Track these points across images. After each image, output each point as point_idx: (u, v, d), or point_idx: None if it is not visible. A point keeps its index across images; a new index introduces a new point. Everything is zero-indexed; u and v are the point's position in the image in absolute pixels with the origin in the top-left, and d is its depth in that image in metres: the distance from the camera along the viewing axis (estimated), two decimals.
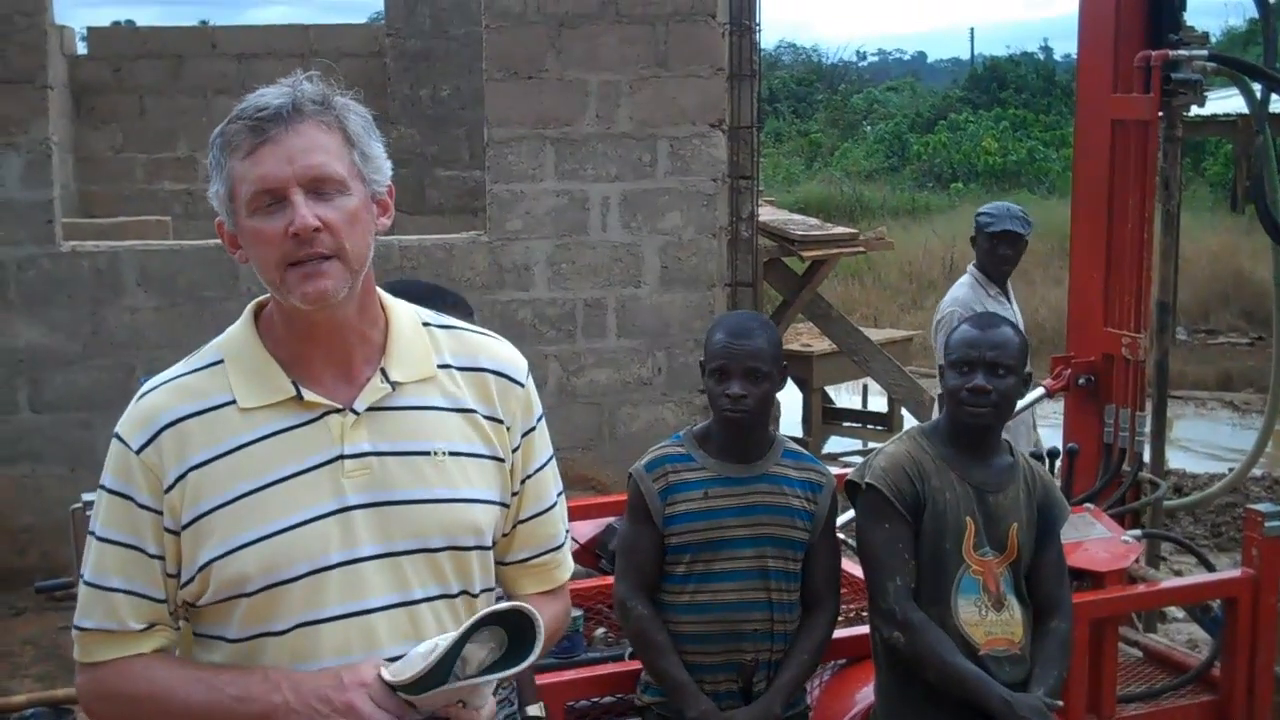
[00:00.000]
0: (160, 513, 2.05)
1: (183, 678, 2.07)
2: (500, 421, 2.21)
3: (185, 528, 2.04)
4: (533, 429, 2.27)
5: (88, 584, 2.09)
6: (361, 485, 2.08)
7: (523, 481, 2.26)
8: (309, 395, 2.08)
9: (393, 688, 1.96)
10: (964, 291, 6.31)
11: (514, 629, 1.99)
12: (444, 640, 1.95)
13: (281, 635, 2.05)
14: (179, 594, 2.09)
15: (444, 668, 1.93)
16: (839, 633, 3.65)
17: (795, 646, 3.48)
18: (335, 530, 2.06)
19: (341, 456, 2.07)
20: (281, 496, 2.04)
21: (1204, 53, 5.30)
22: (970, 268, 6.48)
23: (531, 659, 1.99)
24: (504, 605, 2.01)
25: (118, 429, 2.09)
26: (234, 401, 2.07)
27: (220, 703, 2.03)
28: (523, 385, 2.26)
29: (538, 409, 2.29)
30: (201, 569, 2.04)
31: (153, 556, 2.06)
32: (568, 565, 2.39)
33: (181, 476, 2.04)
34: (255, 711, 2.02)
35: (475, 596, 2.18)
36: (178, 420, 2.06)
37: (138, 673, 2.08)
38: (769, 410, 3.51)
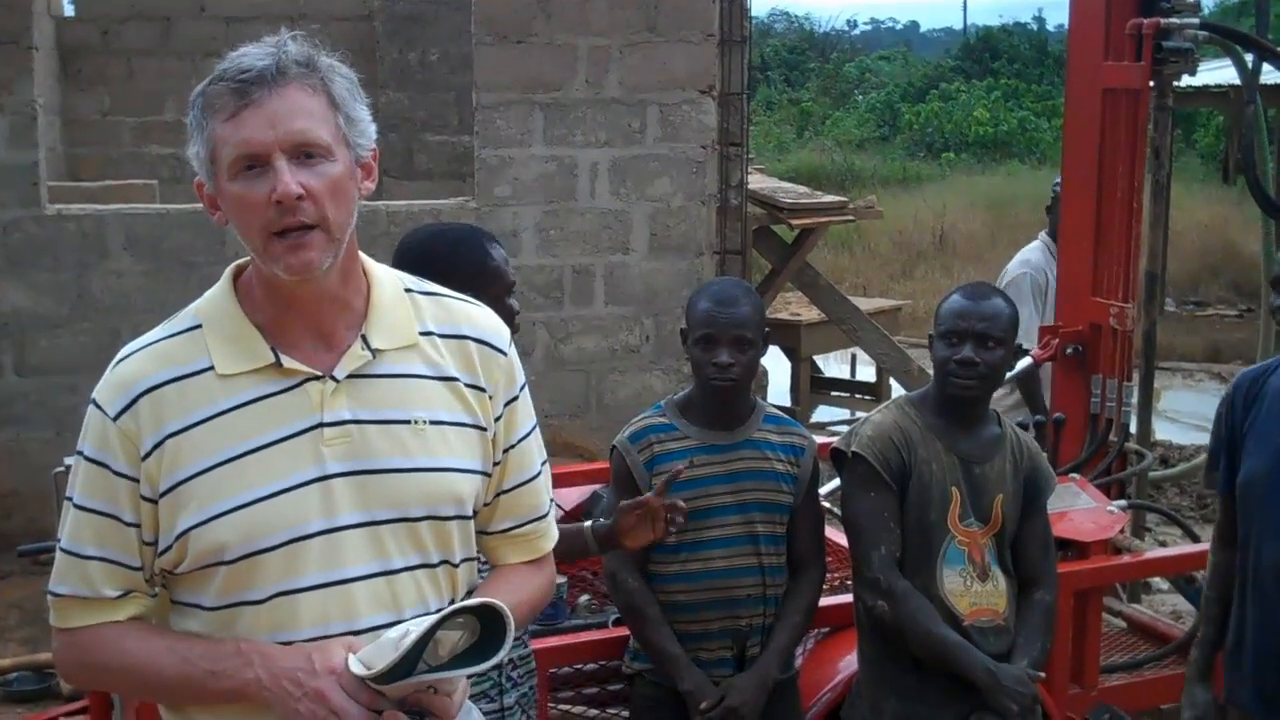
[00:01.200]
0: (137, 480, 2.03)
1: (156, 649, 2.05)
2: (483, 390, 2.19)
3: (163, 495, 2.03)
4: (515, 398, 2.25)
5: (63, 550, 2.07)
6: (341, 453, 2.06)
7: (505, 451, 2.23)
8: (288, 362, 2.06)
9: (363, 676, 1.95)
10: (1036, 255, 6.25)
11: (486, 618, 1.98)
12: (415, 628, 1.93)
13: (260, 604, 2.03)
14: (156, 562, 2.07)
15: (413, 657, 1.91)
16: (822, 601, 3.65)
17: (786, 610, 3.49)
18: (315, 498, 2.04)
19: (321, 424, 2.05)
20: (260, 464, 2.02)
21: (1196, 21, 5.27)
22: (1043, 234, 6.39)
23: (501, 654, 1.97)
24: (474, 600, 1.99)
25: (95, 395, 2.07)
26: (212, 367, 2.05)
27: (193, 676, 2.02)
28: (505, 354, 2.24)
29: (521, 378, 2.27)
30: (179, 537, 2.02)
31: (129, 524, 2.04)
32: (552, 535, 2.37)
33: (159, 444, 2.02)
34: (227, 687, 2.01)
35: (456, 566, 2.16)
36: (155, 386, 2.04)
37: (112, 642, 2.07)
38: (754, 377, 3.50)
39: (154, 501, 2.03)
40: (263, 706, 2.00)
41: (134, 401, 2.03)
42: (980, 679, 3.31)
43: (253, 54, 2.01)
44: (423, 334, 2.16)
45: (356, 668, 1.95)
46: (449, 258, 3.01)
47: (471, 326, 2.22)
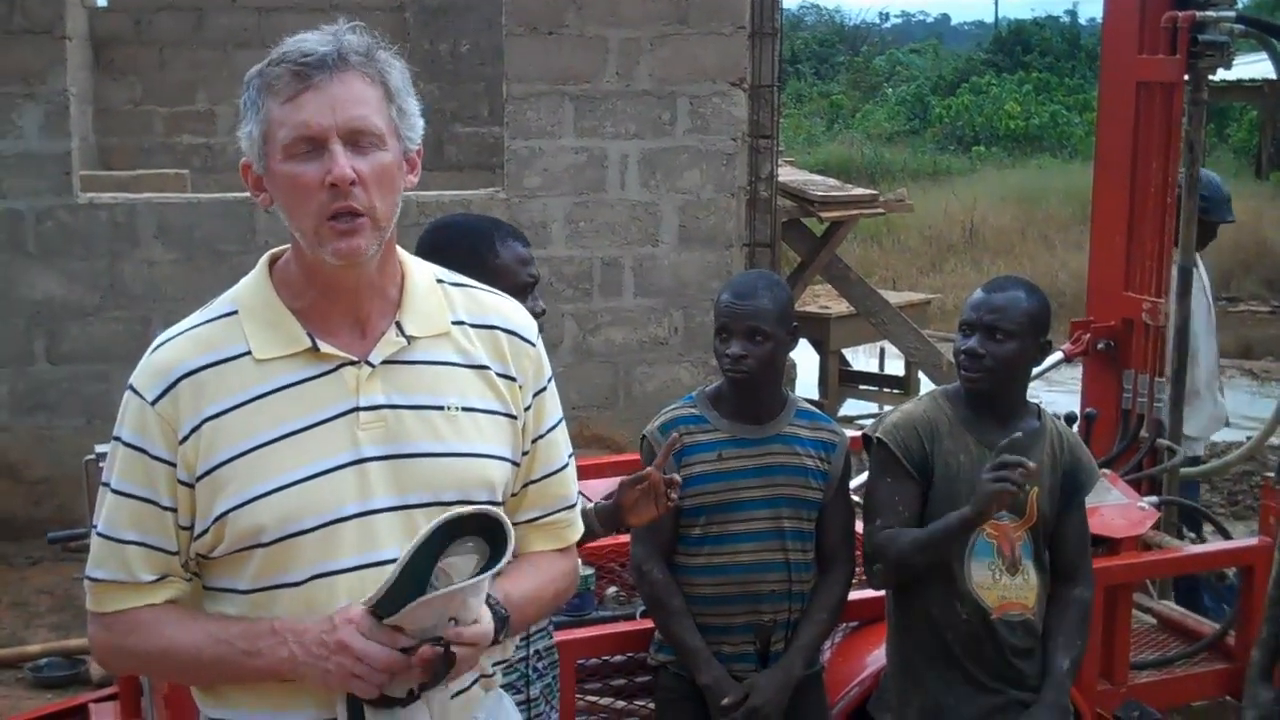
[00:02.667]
0: (174, 465, 2.05)
1: (193, 630, 2.07)
2: (513, 379, 2.21)
3: (200, 479, 2.04)
4: (544, 389, 2.27)
5: (100, 535, 2.09)
6: (376, 437, 2.08)
7: (534, 442, 2.26)
8: (325, 347, 2.08)
9: (377, 615, 1.96)
10: None
11: (491, 541, 1.99)
12: (408, 547, 1.94)
13: (297, 586, 2.05)
14: (192, 546, 2.09)
15: (415, 577, 1.92)
16: (852, 595, 3.64)
17: (812, 606, 3.48)
18: (351, 481, 2.06)
19: (357, 409, 2.07)
20: (297, 447, 2.04)
21: (1232, 14, 5.23)
22: None
23: (506, 557, 1.98)
24: (466, 509, 1.99)
25: (132, 381, 2.09)
26: (249, 352, 2.07)
27: (230, 657, 2.04)
28: (534, 345, 2.26)
29: (548, 370, 2.30)
30: (217, 520, 2.04)
31: (165, 509, 2.06)
32: (578, 525, 2.39)
33: (196, 428, 2.04)
34: (263, 666, 2.03)
35: None
36: (193, 371, 2.06)
37: (148, 624, 2.09)
38: (775, 370, 3.47)
39: (191, 485, 2.05)
40: (296, 684, 2.02)
41: (172, 386, 2.05)
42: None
43: (312, 39, 2.04)
44: (455, 323, 2.19)
45: (366, 604, 1.97)
46: (447, 250, 2.98)
47: (501, 318, 2.24)
